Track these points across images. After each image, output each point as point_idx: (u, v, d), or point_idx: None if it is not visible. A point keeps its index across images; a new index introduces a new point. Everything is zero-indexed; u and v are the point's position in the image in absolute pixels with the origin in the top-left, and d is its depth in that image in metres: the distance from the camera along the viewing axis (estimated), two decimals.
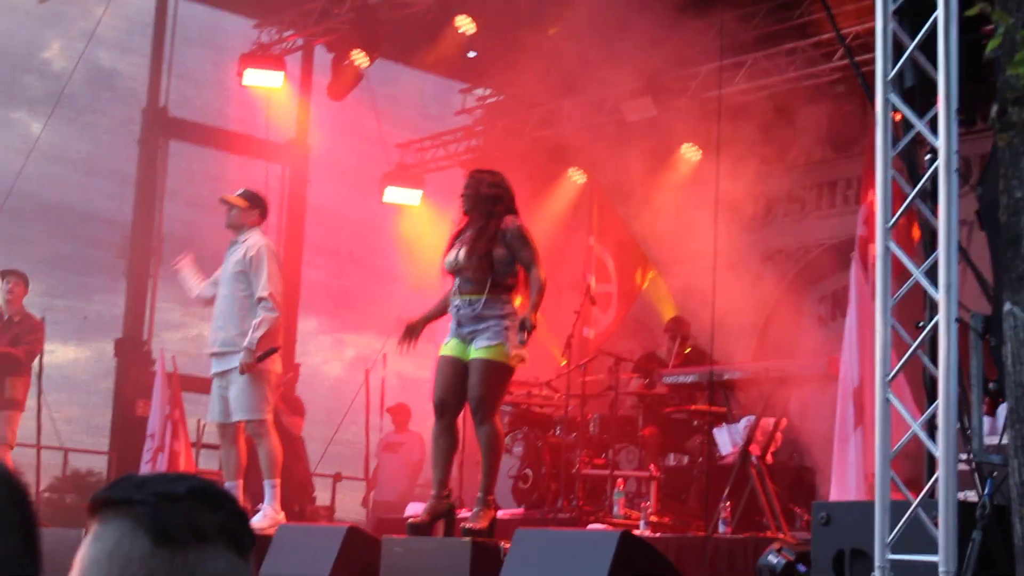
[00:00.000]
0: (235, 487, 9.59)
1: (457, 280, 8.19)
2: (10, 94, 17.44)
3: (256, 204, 9.84)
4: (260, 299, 9.51)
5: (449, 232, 8.55)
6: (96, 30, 16.88)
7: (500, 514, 10.86)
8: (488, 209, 8.20)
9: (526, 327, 7.82)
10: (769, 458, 9.91)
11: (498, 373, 8.03)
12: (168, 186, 16.96)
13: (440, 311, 8.52)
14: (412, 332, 8.49)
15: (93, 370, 17.47)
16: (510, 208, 8.27)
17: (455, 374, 8.11)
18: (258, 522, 9.34)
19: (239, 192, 9.93)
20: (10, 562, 1.53)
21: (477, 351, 8.01)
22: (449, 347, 8.19)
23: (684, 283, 13.19)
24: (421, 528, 8.10)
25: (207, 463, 14.87)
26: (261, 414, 9.51)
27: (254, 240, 9.68)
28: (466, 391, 8.07)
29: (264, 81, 16.15)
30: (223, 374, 9.60)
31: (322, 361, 16.72)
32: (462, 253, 8.13)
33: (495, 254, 8.06)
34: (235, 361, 9.47)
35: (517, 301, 8.19)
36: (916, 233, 7.47)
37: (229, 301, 9.61)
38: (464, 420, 8.74)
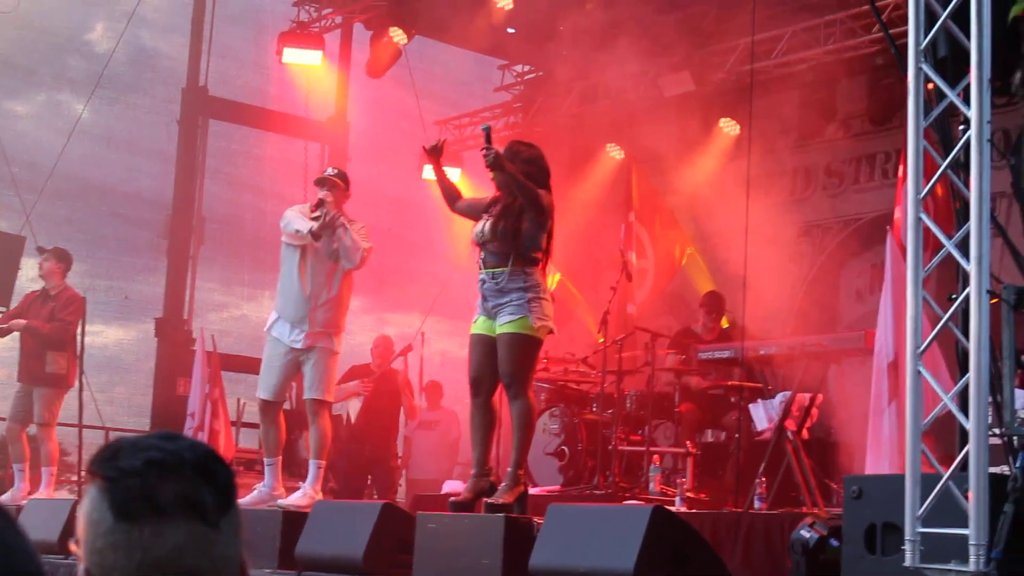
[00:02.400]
0: (275, 463, 9.64)
1: (482, 253, 8.11)
2: (55, 76, 17.52)
3: (347, 183, 9.65)
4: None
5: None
6: (137, 10, 16.95)
7: (537, 490, 10.89)
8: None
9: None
10: (805, 433, 9.85)
11: (525, 346, 7.97)
12: (208, 165, 17.03)
13: (451, 192, 8.54)
14: (435, 151, 8.46)
15: (136, 350, 17.54)
16: (542, 185, 8.15)
17: (486, 351, 8.07)
18: (296, 500, 9.37)
19: (330, 172, 9.73)
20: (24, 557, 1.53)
21: (502, 326, 7.95)
22: (478, 325, 8.15)
23: (722, 258, 13.13)
24: (463, 506, 8.08)
25: (247, 442, 14.95)
26: (327, 395, 9.51)
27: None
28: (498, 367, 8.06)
29: (303, 59, 16.18)
30: (294, 352, 9.56)
31: (365, 340, 16.69)
32: (487, 226, 8.05)
33: (522, 228, 7.99)
34: (309, 341, 9.47)
35: (553, 279, 8.17)
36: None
37: (318, 280, 9.50)
38: (501, 397, 8.73)
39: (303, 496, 9.41)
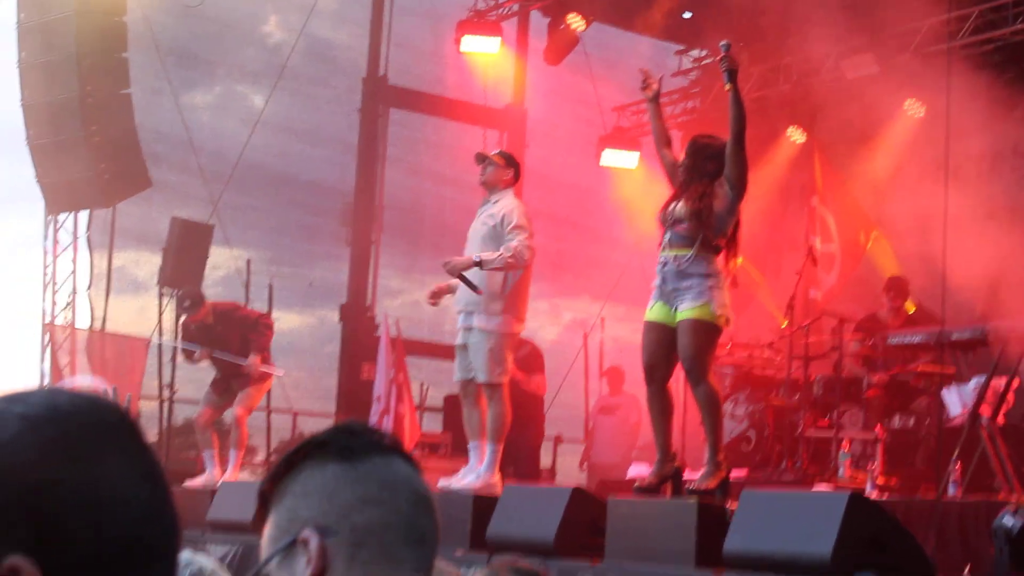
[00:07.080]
0: (476, 447, 9.54)
1: (668, 234, 8.08)
2: (232, 67, 17.88)
3: (511, 164, 9.67)
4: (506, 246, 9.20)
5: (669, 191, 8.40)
6: (315, 3, 17.21)
7: None
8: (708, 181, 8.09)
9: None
10: (1001, 419, 9.68)
11: (707, 332, 7.94)
12: (389, 153, 17.29)
13: (663, 136, 8.66)
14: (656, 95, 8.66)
15: (318, 335, 17.86)
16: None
17: (661, 338, 8.04)
18: (471, 482, 9.30)
19: (495, 152, 9.84)
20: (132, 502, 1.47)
21: (683, 312, 7.91)
22: (654, 312, 8.11)
23: (908, 243, 12.94)
24: (648, 491, 8.10)
25: (430, 425, 15.14)
26: (494, 377, 9.28)
27: (506, 202, 9.44)
28: (674, 354, 7.98)
29: (481, 47, 16.31)
30: (466, 330, 9.41)
31: (538, 326, 16.79)
32: (680, 206, 8.03)
33: (715, 208, 7.97)
34: (474, 320, 9.34)
35: (735, 262, 8.11)
36: None
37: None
38: (682, 383, 8.71)
39: (478, 479, 9.36)
